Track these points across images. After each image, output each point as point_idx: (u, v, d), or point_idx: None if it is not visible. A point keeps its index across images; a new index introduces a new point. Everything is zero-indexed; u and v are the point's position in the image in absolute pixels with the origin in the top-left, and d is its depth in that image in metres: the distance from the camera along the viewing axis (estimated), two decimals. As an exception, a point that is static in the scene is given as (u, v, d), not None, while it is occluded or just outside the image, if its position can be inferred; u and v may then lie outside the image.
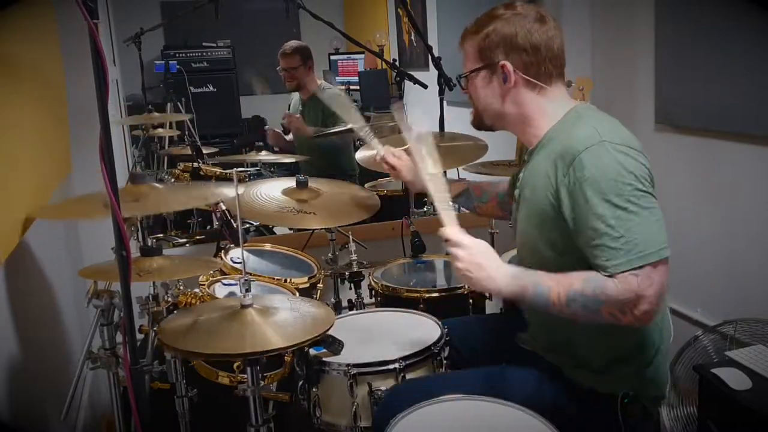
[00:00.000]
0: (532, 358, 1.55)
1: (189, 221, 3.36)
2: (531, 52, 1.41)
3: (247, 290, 1.41)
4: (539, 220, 1.41)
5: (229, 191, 1.72)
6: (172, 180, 3.11)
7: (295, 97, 3.77)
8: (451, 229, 1.44)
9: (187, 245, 2.94)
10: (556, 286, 1.32)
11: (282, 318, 1.42)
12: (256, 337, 1.33)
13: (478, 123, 1.57)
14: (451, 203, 1.53)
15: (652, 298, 1.26)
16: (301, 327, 1.40)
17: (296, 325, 1.41)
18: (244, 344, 1.33)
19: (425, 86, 2.60)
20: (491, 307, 2.14)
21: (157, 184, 1.69)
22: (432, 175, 1.58)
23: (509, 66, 1.42)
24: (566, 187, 1.32)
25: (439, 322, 1.69)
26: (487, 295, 2.09)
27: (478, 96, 1.50)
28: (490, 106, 1.49)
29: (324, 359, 1.55)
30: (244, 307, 1.40)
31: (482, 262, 1.38)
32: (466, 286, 2.01)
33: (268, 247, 2.37)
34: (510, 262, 2.18)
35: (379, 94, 5.19)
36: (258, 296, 1.48)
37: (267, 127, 3.82)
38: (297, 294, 1.98)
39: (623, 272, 1.26)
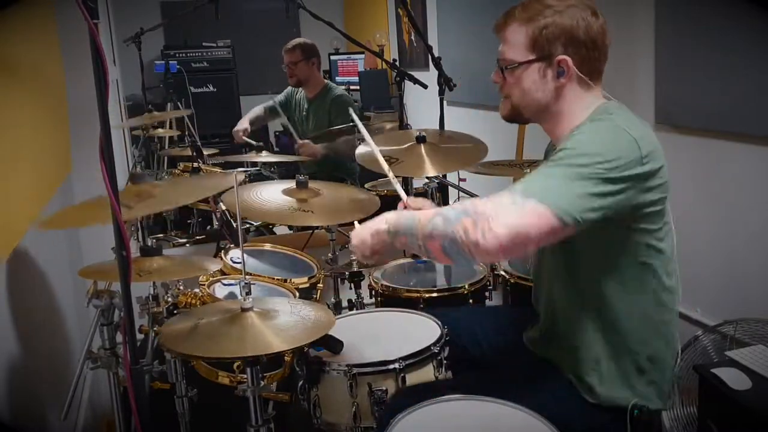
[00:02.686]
0: (536, 357, 1.54)
1: (189, 221, 3.36)
2: (590, 47, 1.35)
3: (248, 293, 1.41)
4: None
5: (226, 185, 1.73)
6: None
7: (299, 94, 3.77)
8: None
9: (187, 245, 2.94)
10: (427, 211, 1.31)
11: (282, 321, 1.42)
12: (257, 341, 1.33)
13: (515, 116, 1.47)
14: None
15: (508, 228, 1.15)
16: (302, 330, 1.40)
17: (297, 328, 1.41)
18: (245, 348, 1.33)
19: (425, 86, 2.59)
20: (491, 307, 2.14)
21: (158, 182, 1.67)
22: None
23: (569, 61, 1.35)
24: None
25: (439, 322, 1.69)
26: (487, 294, 2.09)
27: (522, 88, 1.40)
28: (536, 100, 1.40)
29: (324, 359, 1.55)
30: (244, 310, 1.40)
31: (359, 230, 1.44)
32: (466, 286, 2.02)
33: (268, 247, 2.37)
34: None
35: (379, 94, 5.20)
36: (258, 299, 1.48)
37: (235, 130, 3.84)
38: (297, 294, 1.98)
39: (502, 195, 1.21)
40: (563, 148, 1.27)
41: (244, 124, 3.88)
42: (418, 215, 1.32)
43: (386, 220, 1.40)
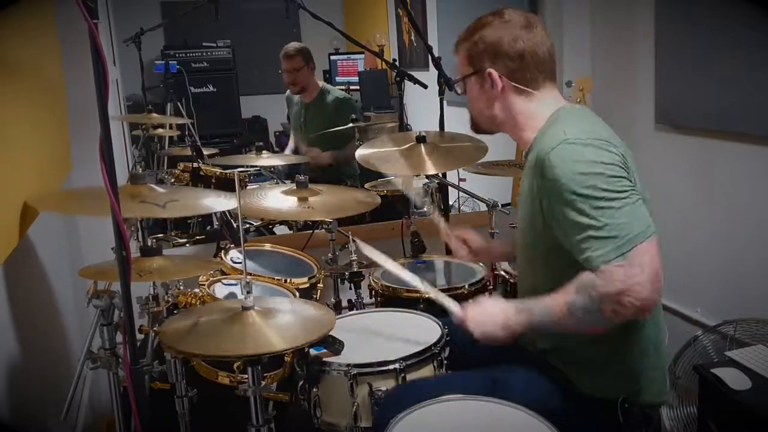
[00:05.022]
0: (534, 359, 1.55)
1: (189, 221, 3.36)
2: (516, 59, 1.44)
3: (249, 292, 1.41)
4: (529, 220, 1.44)
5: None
6: (172, 180, 3.12)
7: (294, 99, 3.76)
8: (457, 309, 1.49)
9: (187, 245, 2.94)
10: (553, 301, 1.33)
11: (283, 320, 1.42)
12: (258, 340, 1.33)
13: (474, 126, 1.61)
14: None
15: (645, 284, 1.24)
16: (302, 329, 1.40)
17: (297, 327, 1.41)
18: (246, 346, 1.32)
19: (425, 86, 2.59)
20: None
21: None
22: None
23: (495, 73, 1.45)
24: (545, 192, 1.34)
25: (439, 322, 1.69)
26: (487, 294, 2.09)
27: (470, 101, 1.55)
28: (482, 110, 1.53)
29: (324, 359, 1.55)
30: (245, 309, 1.40)
31: (486, 316, 1.42)
32: (466, 286, 2.01)
33: (268, 247, 2.37)
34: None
35: (379, 94, 5.20)
36: (259, 298, 1.48)
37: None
38: (297, 294, 1.98)
39: (609, 262, 1.25)
40: (567, 188, 1.29)
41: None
42: (549, 312, 1.34)
43: (512, 323, 1.39)
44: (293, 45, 3.61)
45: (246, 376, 1.44)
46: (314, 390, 1.55)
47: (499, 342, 1.41)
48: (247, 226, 2.92)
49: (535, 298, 1.38)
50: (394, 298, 2.01)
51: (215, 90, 4.99)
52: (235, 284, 1.98)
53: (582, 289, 1.29)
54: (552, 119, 1.44)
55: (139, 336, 1.55)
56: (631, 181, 1.31)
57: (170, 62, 4.32)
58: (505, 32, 1.44)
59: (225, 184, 2.85)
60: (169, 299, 1.77)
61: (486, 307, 1.45)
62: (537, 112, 1.46)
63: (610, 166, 1.29)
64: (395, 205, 2.74)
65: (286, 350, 1.34)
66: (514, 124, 1.50)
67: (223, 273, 2.03)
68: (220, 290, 1.95)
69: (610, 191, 1.27)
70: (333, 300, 2.29)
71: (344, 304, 2.29)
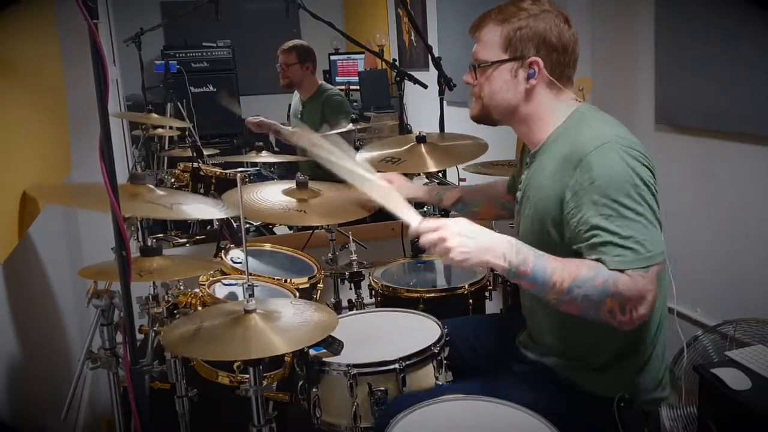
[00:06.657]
0: (532, 360, 1.55)
1: (189, 221, 3.36)
2: (561, 52, 1.39)
3: (251, 295, 1.41)
4: (543, 221, 1.40)
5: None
6: (173, 180, 3.11)
7: (296, 97, 3.77)
8: (417, 221, 1.35)
9: (187, 245, 2.94)
10: (561, 269, 1.26)
11: (286, 322, 1.41)
12: (261, 343, 1.33)
13: (483, 116, 1.50)
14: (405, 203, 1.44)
15: (652, 302, 1.26)
16: (305, 331, 1.40)
17: (300, 329, 1.40)
18: (249, 350, 1.32)
19: (425, 86, 2.60)
20: (491, 308, 2.14)
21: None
22: (365, 180, 1.50)
23: (541, 63, 1.39)
24: (572, 189, 1.30)
25: (439, 322, 1.69)
26: (487, 294, 2.09)
27: (492, 88, 1.44)
28: (505, 100, 1.44)
29: (324, 359, 1.55)
30: (247, 312, 1.40)
31: (473, 234, 1.29)
32: (466, 286, 2.01)
33: (268, 247, 2.37)
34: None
35: (379, 94, 5.20)
36: (261, 300, 1.48)
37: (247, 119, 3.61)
38: (297, 294, 1.98)
39: (631, 269, 1.24)
40: (601, 190, 1.26)
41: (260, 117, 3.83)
42: (550, 272, 1.26)
43: (505, 257, 1.28)
44: (292, 41, 3.64)
45: (246, 376, 1.44)
46: (314, 390, 1.55)
47: (467, 264, 1.29)
48: (247, 225, 2.92)
49: (534, 250, 1.29)
50: (394, 298, 2.01)
51: (215, 90, 4.99)
52: (236, 284, 1.98)
53: (600, 276, 1.24)
54: (576, 117, 1.41)
55: (139, 336, 1.55)
56: (657, 199, 1.30)
57: (170, 62, 4.31)
58: (552, 23, 1.38)
59: (225, 184, 2.86)
60: (169, 299, 1.77)
61: (470, 229, 1.30)
62: (557, 110, 1.43)
63: (646, 180, 1.28)
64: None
65: (290, 352, 1.34)
66: (532, 120, 1.45)
67: (223, 273, 2.03)
68: (220, 290, 1.95)
69: (641, 205, 1.26)
70: (333, 300, 2.29)
71: (344, 304, 2.29)
